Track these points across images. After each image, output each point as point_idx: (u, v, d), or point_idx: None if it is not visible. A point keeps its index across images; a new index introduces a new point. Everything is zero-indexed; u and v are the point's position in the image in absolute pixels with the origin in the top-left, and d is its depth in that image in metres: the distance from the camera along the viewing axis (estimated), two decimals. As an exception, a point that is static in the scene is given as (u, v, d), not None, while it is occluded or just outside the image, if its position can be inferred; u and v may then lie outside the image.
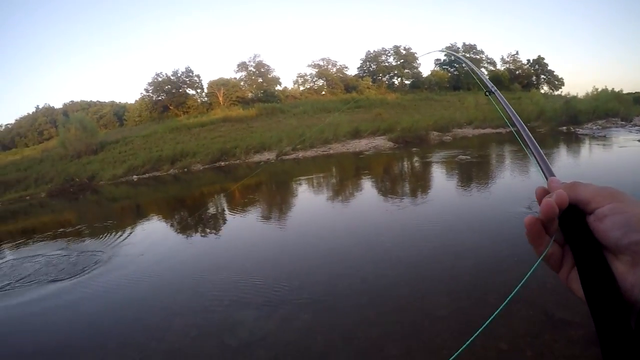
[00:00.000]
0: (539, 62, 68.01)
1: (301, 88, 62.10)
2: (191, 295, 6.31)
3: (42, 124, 59.22)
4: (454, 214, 9.30)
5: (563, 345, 3.88)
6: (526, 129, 0.93)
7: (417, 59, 63.99)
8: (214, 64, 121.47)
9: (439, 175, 15.20)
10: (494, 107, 1.25)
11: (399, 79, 65.50)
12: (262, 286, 6.23)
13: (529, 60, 68.49)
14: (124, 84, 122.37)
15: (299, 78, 63.23)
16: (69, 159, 30.83)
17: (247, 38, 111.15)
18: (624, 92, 38.59)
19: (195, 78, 56.01)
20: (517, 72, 66.67)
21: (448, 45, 66.42)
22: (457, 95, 53.43)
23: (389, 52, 64.60)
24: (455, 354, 0.54)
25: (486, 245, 6.94)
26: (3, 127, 65.40)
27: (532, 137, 0.88)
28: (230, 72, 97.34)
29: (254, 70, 58.11)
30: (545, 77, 69.14)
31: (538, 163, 0.80)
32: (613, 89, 37.66)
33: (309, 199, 13.37)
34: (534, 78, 68.05)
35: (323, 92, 59.95)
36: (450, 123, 31.02)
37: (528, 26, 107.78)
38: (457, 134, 28.72)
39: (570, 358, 3.71)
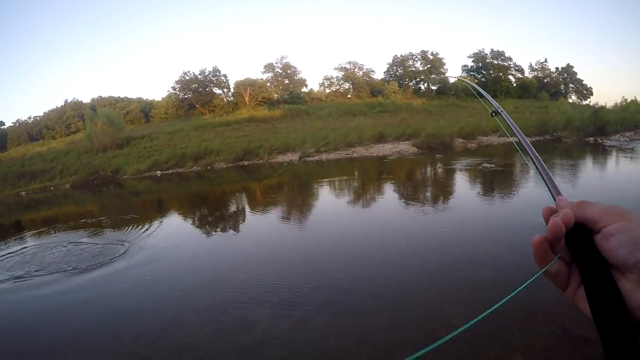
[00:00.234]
0: (568, 71, 66.94)
1: (327, 90, 62.22)
2: (208, 292, 6.34)
3: (69, 118, 60.58)
4: (475, 222, 9.16)
5: (578, 362, 3.78)
6: (533, 149, 0.94)
7: (444, 64, 63.65)
8: (241, 65, 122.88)
9: (461, 183, 15.02)
10: (505, 125, 1.25)
11: (426, 84, 65.13)
12: (279, 286, 6.23)
13: (557, 69, 67.59)
14: (151, 81, 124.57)
15: (325, 80, 63.42)
16: (94, 152, 31.42)
17: (275, 39, 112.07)
18: (656, 103, 37.56)
19: (222, 78, 56.62)
20: (545, 80, 65.72)
21: (476, 51, 66.01)
22: (485, 102, 52.74)
23: (416, 57, 64.35)
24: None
25: (506, 256, 6.80)
26: (32, 119, 67.03)
27: (539, 157, 0.89)
28: (257, 73, 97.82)
29: (281, 71, 58.41)
30: (573, 86, 68.06)
31: (545, 183, 0.80)
32: (643, 99, 36.78)
33: (330, 202, 13.35)
34: (562, 87, 67.01)
35: (349, 96, 59.93)
36: (475, 130, 30.67)
37: (558, 33, 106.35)
38: (482, 141, 28.39)
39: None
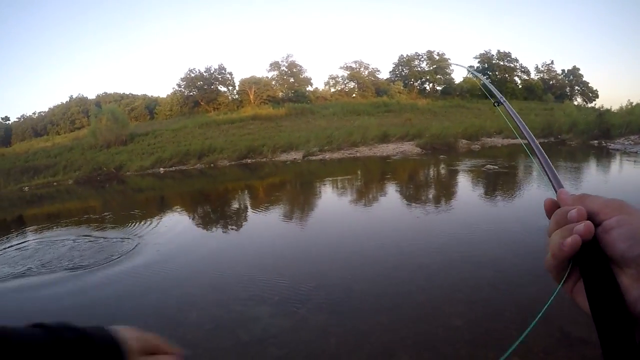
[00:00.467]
0: (574, 73, 66.77)
1: (332, 90, 62.28)
2: (208, 289, 6.34)
3: (74, 114, 60.79)
4: (476, 224, 9.14)
5: (577, 364, 3.75)
6: (535, 140, 0.91)
7: (450, 65, 63.54)
8: (247, 62, 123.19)
9: (464, 184, 15.00)
10: (503, 118, 1.21)
11: (431, 84, 65.04)
12: (279, 284, 6.23)
13: (563, 71, 67.43)
14: (157, 78, 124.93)
15: (331, 79, 63.46)
16: (98, 149, 31.46)
17: (281, 38, 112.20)
18: (661, 107, 37.40)
19: (228, 75, 56.69)
20: (551, 82, 65.60)
21: (482, 52, 65.93)
22: (489, 103, 52.01)
23: (422, 57, 64.29)
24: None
25: (508, 258, 6.79)
26: (36, 115, 67.30)
27: (541, 149, 0.86)
28: (262, 71, 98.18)
29: (286, 70, 58.46)
30: (579, 88, 67.91)
31: (547, 175, 0.79)
32: (649, 103, 36.62)
33: (332, 201, 13.33)
34: (567, 89, 66.88)
35: (354, 95, 59.93)
36: (479, 131, 30.60)
37: (565, 35, 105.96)
38: (486, 143, 28.31)
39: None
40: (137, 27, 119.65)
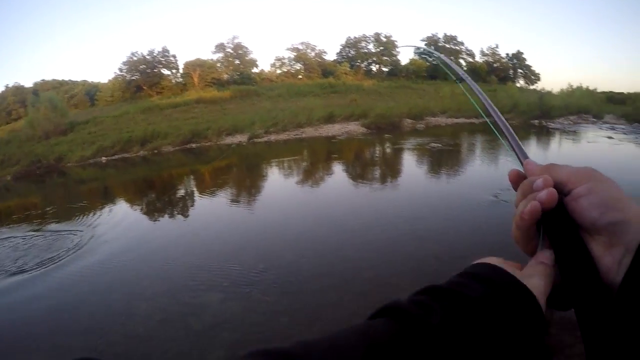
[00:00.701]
0: (518, 57, 68.79)
1: (278, 71, 61.65)
2: (156, 279, 6.25)
3: (10, 104, 57.64)
4: (422, 200, 9.49)
5: None
6: (499, 113, 0.91)
7: (396, 47, 64.11)
8: (192, 45, 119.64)
9: (409, 162, 15.39)
10: (466, 95, 1.21)
11: (377, 66, 65.52)
12: (227, 269, 6.25)
13: (507, 55, 69.18)
14: (97, 63, 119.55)
15: (277, 61, 62.68)
16: (36, 140, 30.04)
17: (227, 19, 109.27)
18: (598, 90, 39.47)
19: (172, 58, 55.09)
20: (495, 65, 67.18)
21: (429, 35, 66.70)
22: (434, 84, 53.59)
23: (369, 39, 64.50)
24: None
25: (450, 232, 7.13)
26: (-31, 108, 63.70)
27: (505, 121, 0.85)
28: (207, 53, 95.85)
29: (232, 51, 57.48)
30: (522, 71, 70.00)
31: (511, 145, 0.78)
32: (587, 87, 38.47)
33: (279, 182, 13.35)
34: (511, 72, 68.81)
35: (300, 76, 59.60)
36: (424, 111, 31.11)
37: (511, 21, 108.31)
38: (431, 122, 28.91)
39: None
40: (75, 9, 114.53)
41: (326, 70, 59.87)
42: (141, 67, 53.01)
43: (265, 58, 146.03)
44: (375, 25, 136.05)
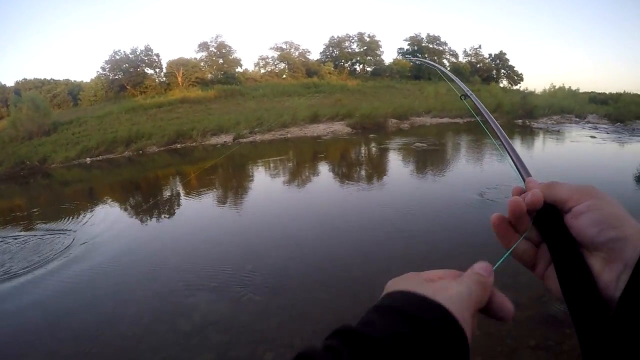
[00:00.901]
0: (501, 57, 69.49)
1: (262, 71, 61.55)
2: (144, 281, 6.28)
3: (-8, 104, 56.94)
4: (408, 200, 9.59)
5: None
6: (502, 130, 0.95)
7: (380, 46, 64.38)
8: (175, 43, 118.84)
9: (394, 161, 15.50)
10: (469, 108, 1.27)
11: (361, 65, 65.72)
12: (215, 270, 6.30)
13: (490, 55, 69.89)
14: (79, 62, 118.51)
15: (261, 61, 62.61)
16: (20, 141, 29.68)
17: (210, 18, 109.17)
18: (581, 91, 40.33)
19: (155, 57, 54.64)
20: (478, 66, 67.78)
21: (412, 35, 67.16)
22: (418, 84, 53.93)
23: (353, 39, 64.71)
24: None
25: (437, 231, 7.27)
26: (-50, 108, 62.56)
27: (508, 139, 0.90)
28: (190, 52, 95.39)
29: (215, 50, 57.18)
30: (505, 71, 70.74)
31: (514, 163, 0.81)
32: (570, 87, 39.33)
33: (265, 183, 13.39)
34: (494, 72, 69.45)
35: (284, 76, 59.53)
36: (408, 111, 31.33)
37: (493, 22, 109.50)
38: (415, 122, 29.17)
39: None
40: (58, 7, 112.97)
41: (310, 70, 59.84)
42: (124, 66, 52.47)
43: (249, 57, 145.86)
44: (358, 25, 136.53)
